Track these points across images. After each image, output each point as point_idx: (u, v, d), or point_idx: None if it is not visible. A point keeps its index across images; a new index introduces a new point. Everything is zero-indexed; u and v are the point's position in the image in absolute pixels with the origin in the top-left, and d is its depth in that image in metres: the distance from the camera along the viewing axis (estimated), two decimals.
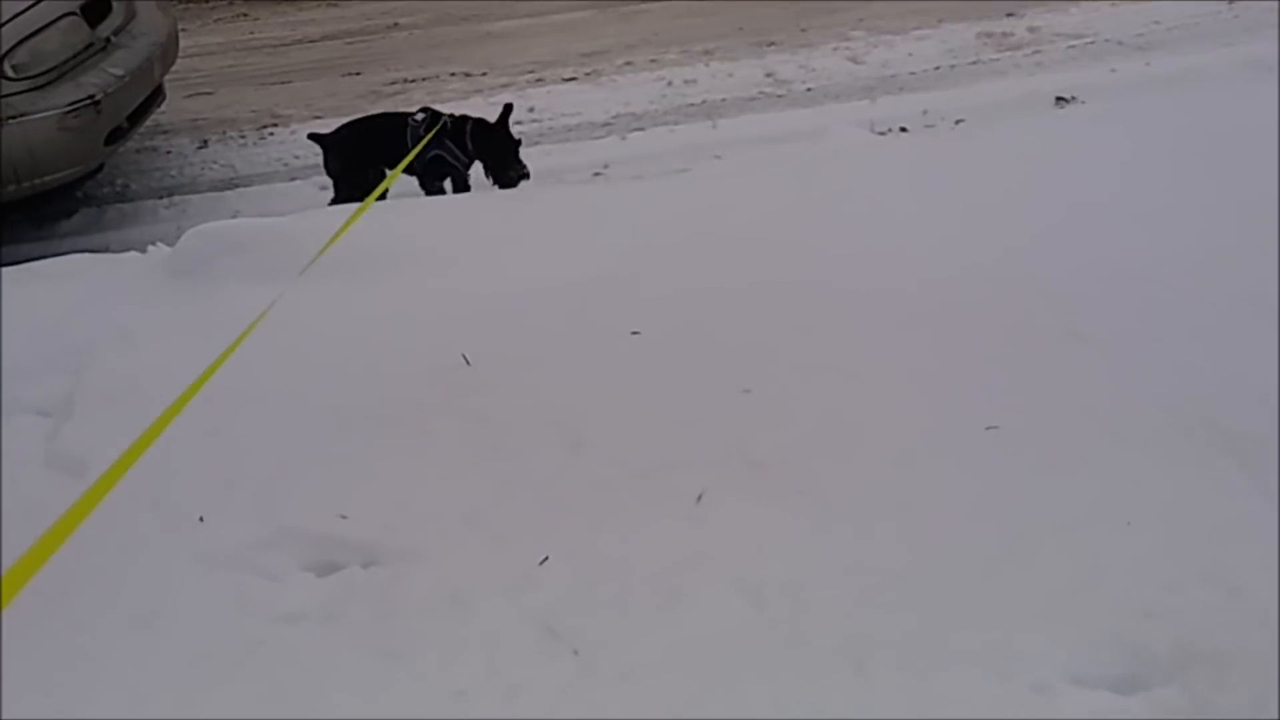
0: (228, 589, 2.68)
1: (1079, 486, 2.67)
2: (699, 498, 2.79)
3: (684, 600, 2.48)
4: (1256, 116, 4.39)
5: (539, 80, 6.68)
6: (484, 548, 2.70)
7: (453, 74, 6.80)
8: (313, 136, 5.04)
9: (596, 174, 5.47)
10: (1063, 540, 2.51)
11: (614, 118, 6.14)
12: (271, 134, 6.15)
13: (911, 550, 2.53)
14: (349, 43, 7.40)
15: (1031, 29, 6.95)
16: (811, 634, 2.33)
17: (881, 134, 5.49)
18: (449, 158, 4.79)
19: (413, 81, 6.72)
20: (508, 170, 4.86)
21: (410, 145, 4.65)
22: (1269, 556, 2.38)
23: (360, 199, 4.22)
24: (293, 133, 6.12)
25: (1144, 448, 2.77)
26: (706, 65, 6.80)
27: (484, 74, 6.79)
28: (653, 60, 6.91)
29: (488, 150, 4.84)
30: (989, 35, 6.87)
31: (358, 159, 4.89)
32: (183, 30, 6.07)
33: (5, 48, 4.56)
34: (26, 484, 3.08)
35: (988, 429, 2.90)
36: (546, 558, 2.65)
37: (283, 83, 6.82)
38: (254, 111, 6.44)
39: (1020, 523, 2.57)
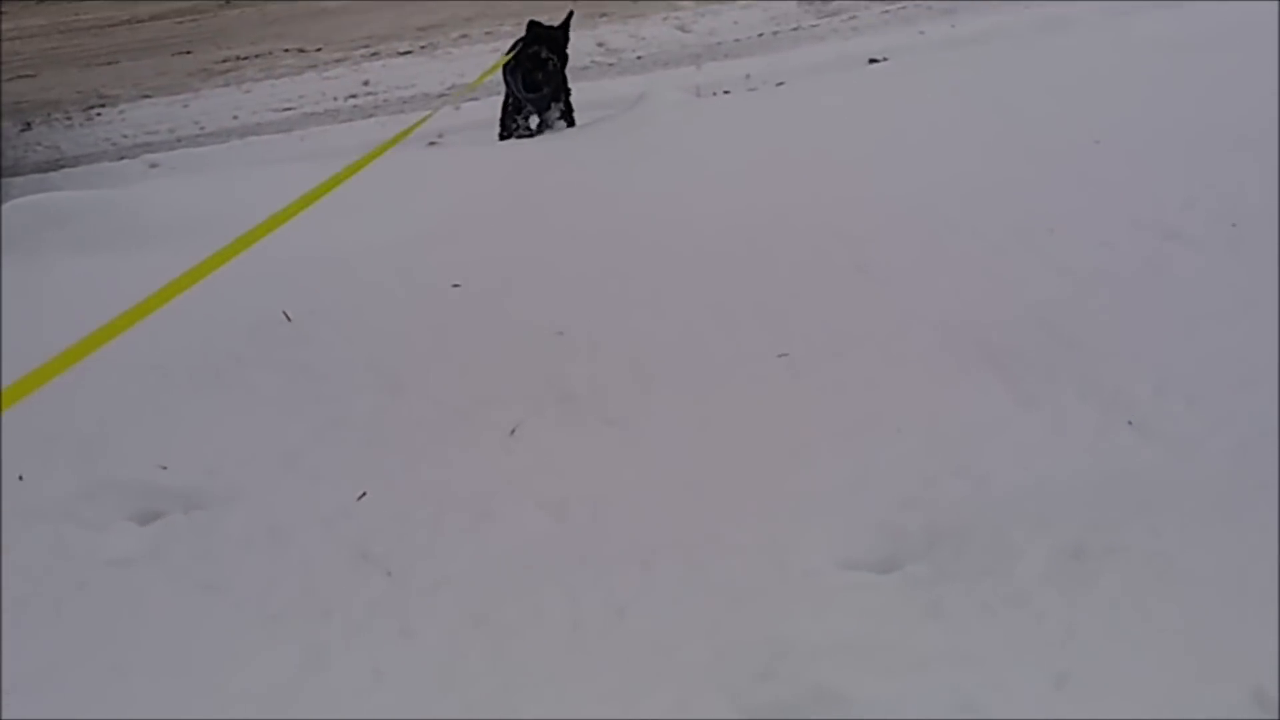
0: (48, 539, 2.73)
1: (855, 402, 2.92)
2: (513, 431, 2.95)
3: (492, 519, 2.64)
4: (1038, 64, 4.75)
5: (374, 54, 6.73)
6: (303, 486, 2.81)
7: (286, 50, 6.80)
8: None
9: (431, 143, 5.56)
10: (837, 447, 2.75)
11: (449, 88, 6.23)
12: (99, 114, 6.09)
13: (702, 462, 2.74)
14: (179, 21, 7.32)
15: None
16: (605, 541, 2.51)
17: (707, 97, 5.70)
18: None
19: (245, 59, 6.70)
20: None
21: None
22: (1015, 449, 2.66)
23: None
24: (121, 112, 6.07)
25: (916, 366, 3.03)
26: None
27: (318, 49, 6.80)
28: (488, 33, 7.02)
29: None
30: (809, 3, 7.16)
31: None
32: (4, 13, 5.95)
33: None
34: None
35: (779, 356, 3.12)
36: (365, 493, 2.77)
37: (110, 63, 6.73)
38: (80, 93, 6.35)
39: (801, 435, 2.81)
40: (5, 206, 4.04)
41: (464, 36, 6.91)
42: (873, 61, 6.05)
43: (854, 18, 6.89)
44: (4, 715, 2.35)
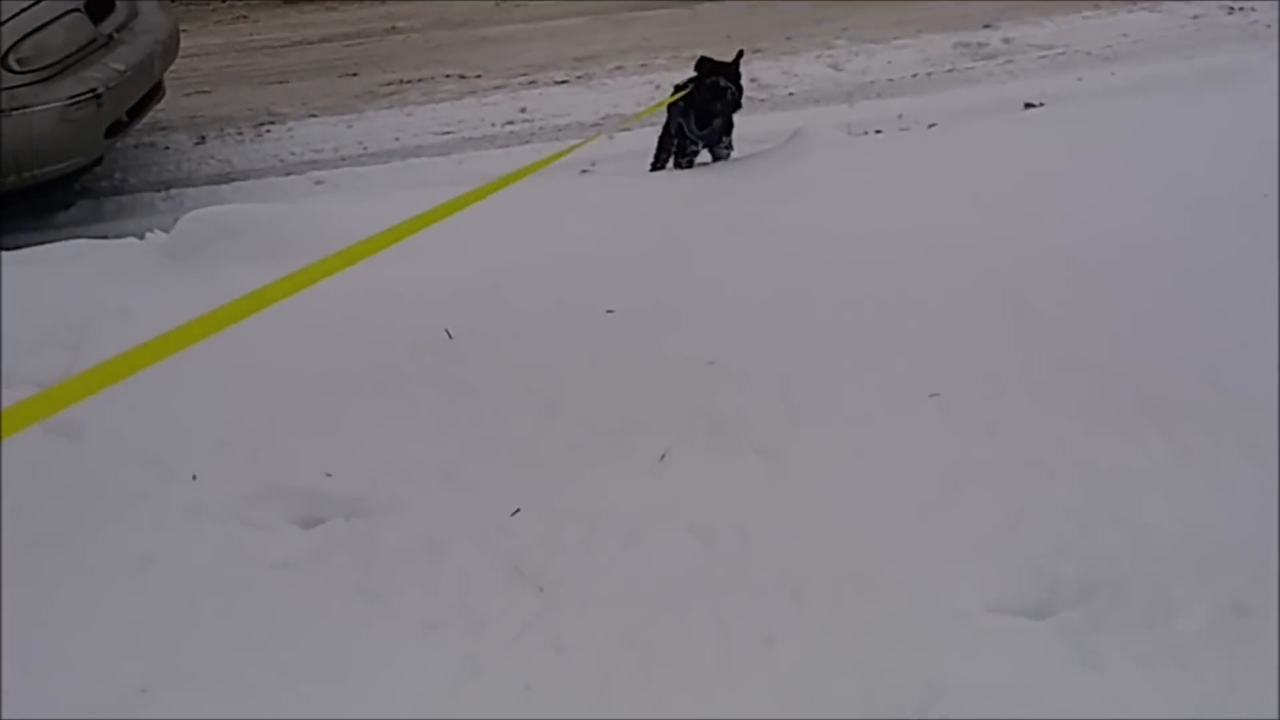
0: (218, 539, 2.86)
1: (1009, 446, 2.88)
2: (662, 456, 2.98)
3: (642, 543, 2.67)
4: (1208, 119, 4.62)
5: (532, 83, 6.90)
6: (460, 500, 2.90)
7: (448, 75, 7.01)
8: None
9: (584, 171, 5.66)
10: (991, 490, 2.71)
11: (603, 118, 6.34)
12: (268, 131, 6.36)
13: (851, 497, 2.73)
14: (347, 45, 7.62)
15: (1006, 40, 7.17)
16: (754, 568, 2.53)
17: (857, 136, 5.70)
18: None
19: (408, 83, 6.93)
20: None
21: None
22: (1172, 501, 2.59)
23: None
24: (289, 130, 6.33)
25: (1071, 412, 2.97)
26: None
27: (478, 76, 7.00)
28: (642, 65, 7.13)
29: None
30: (965, 45, 7.09)
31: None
32: (183, 31, 6.27)
33: (10, 42, 4.73)
34: (25, 449, 3.25)
35: (931, 395, 3.09)
36: (518, 509, 2.84)
37: (280, 82, 7.03)
38: (251, 109, 6.65)
39: (954, 475, 2.78)
40: (183, 218, 4.24)
41: (619, 68, 7.03)
42: (1029, 106, 5.97)
43: (1010, 61, 6.81)
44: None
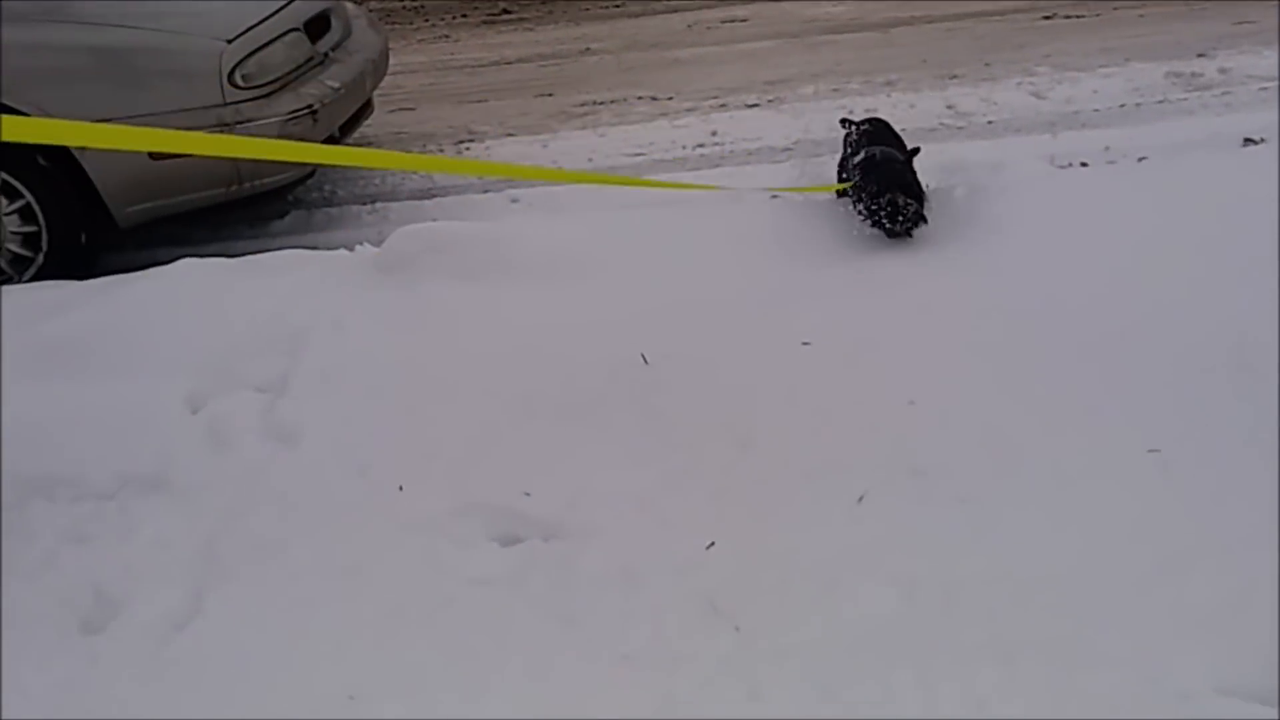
0: (422, 551, 2.94)
1: (1238, 512, 2.71)
2: (860, 498, 2.93)
3: (841, 589, 2.63)
4: None
5: (723, 105, 6.90)
6: (655, 530, 2.90)
7: (640, 97, 7.08)
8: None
9: (774, 196, 5.62)
10: (1218, 560, 2.56)
11: (794, 143, 6.29)
12: (468, 148, 6.54)
13: (1065, 560, 2.62)
14: (542, 65, 7.78)
15: (1222, 70, 6.83)
16: (961, 629, 2.45)
17: (1061, 168, 5.51)
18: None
19: (601, 103, 7.03)
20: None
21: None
22: None
23: None
24: (487, 148, 6.50)
25: None
26: (888, 95, 6.90)
27: (670, 98, 7.05)
28: (835, 89, 7.06)
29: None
30: (1178, 75, 6.78)
31: None
32: (391, 50, 6.51)
33: (236, 60, 4.98)
34: (245, 451, 3.42)
35: (1150, 451, 2.95)
36: (713, 543, 2.83)
37: (479, 101, 7.23)
38: (451, 127, 6.85)
39: (1177, 542, 2.64)
40: (393, 234, 4.39)
41: (811, 92, 6.98)
42: (1248, 141, 5.66)
43: (1227, 93, 6.47)
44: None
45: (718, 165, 6.00)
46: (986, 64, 7.24)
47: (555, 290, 3.88)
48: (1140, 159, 5.58)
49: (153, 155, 4.86)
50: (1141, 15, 7.92)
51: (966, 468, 3.00)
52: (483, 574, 2.87)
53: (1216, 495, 2.77)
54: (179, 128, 4.85)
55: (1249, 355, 3.25)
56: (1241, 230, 3.98)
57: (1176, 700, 2.23)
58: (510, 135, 6.63)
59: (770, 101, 6.91)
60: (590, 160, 6.19)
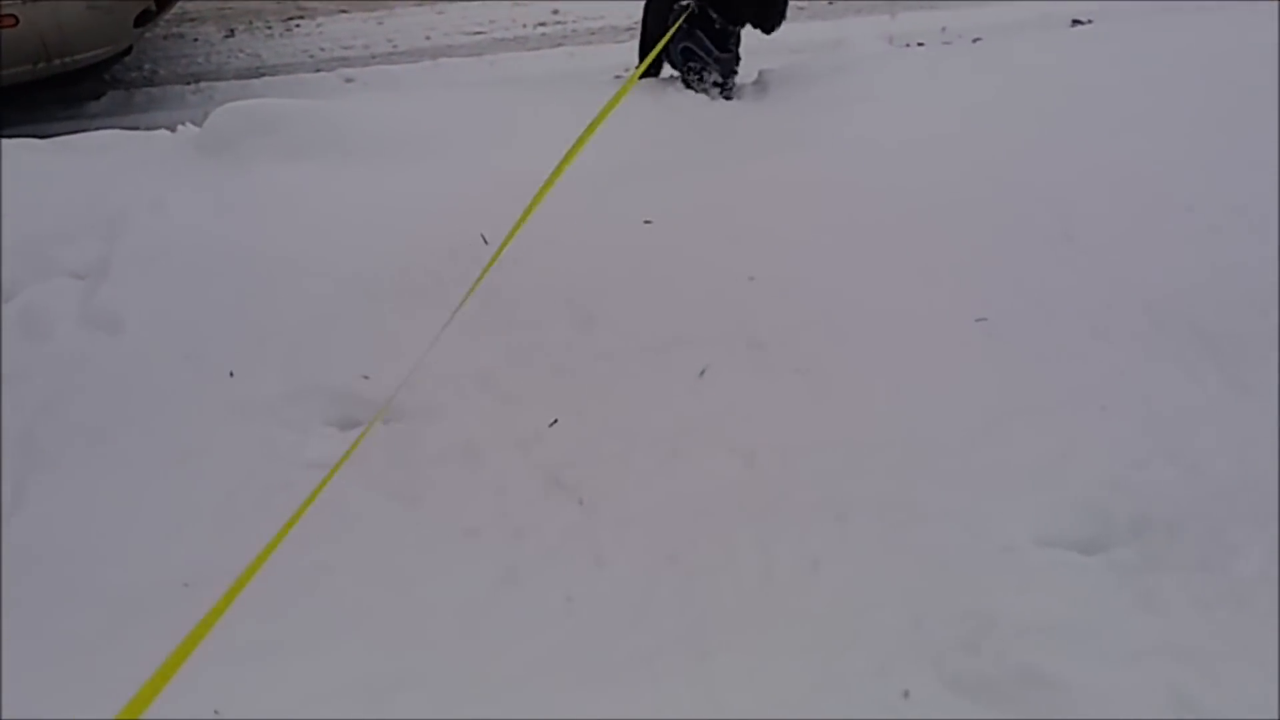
0: (255, 437, 2.86)
1: (1060, 375, 2.83)
2: (701, 372, 2.95)
3: (682, 460, 2.66)
4: (1260, 36, 4.47)
5: None
6: (497, 408, 2.88)
7: None
8: None
9: (617, 77, 5.54)
10: (1040, 421, 2.68)
11: (636, 22, 6.17)
12: (298, 25, 6.23)
13: (896, 421, 2.70)
14: None
15: None
16: (796, 491, 2.51)
17: (900, 48, 5.55)
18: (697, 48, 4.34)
19: None
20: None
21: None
22: (1230, 439, 2.55)
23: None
24: (319, 25, 6.20)
25: (1125, 343, 2.92)
26: None
27: None
28: None
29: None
30: None
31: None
32: None
33: None
34: (65, 340, 3.24)
35: (978, 320, 3.05)
36: (556, 420, 2.82)
37: None
38: (279, 4, 6.50)
39: (1001, 405, 2.75)
40: (215, 111, 4.16)
41: None
42: (1076, 22, 5.79)
43: None
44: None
45: (559, 44, 5.86)
46: None
47: (391, 170, 3.74)
48: (975, 39, 5.66)
49: None
50: None
51: (805, 339, 3.05)
52: (320, 458, 2.79)
53: (1039, 359, 2.88)
54: None
55: (1072, 225, 3.36)
56: (1067, 105, 4.09)
57: (1002, 552, 2.34)
58: (343, 12, 6.33)
59: None
60: (428, 38, 5.98)
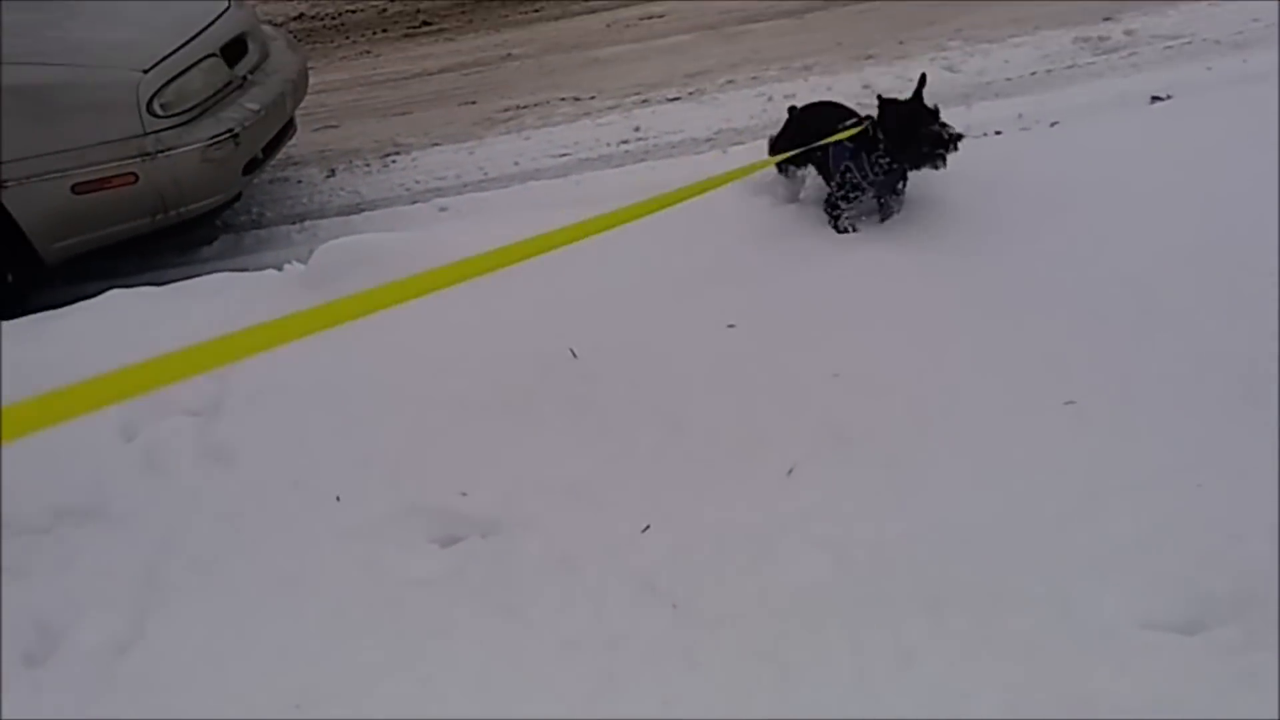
0: (361, 558, 2.97)
1: (1151, 453, 2.81)
2: (790, 471, 2.99)
3: (773, 558, 2.69)
4: None
5: (644, 101, 6.95)
6: (591, 517, 2.95)
7: (563, 99, 7.11)
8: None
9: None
10: (1133, 499, 2.65)
11: (716, 133, 6.36)
12: (394, 161, 6.54)
13: (987, 510, 2.70)
14: (465, 74, 7.78)
15: (1128, 32, 6.97)
16: (888, 584, 2.52)
17: (976, 138, 5.61)
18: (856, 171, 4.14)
19: (525, 108, 7.05)
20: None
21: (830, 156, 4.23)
22: None
23: None
24: (414, 159, 6.50)
25: (1215, 417, 2.89)
26: (806, 80, 6.98)
27: (592, 98, 7.08)
28: (753, 78, 7.12)
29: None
30: (1085, 40, 6.92)
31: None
32: (311, 68, 6.49)
33: (154, 88, 4.96)
34: (181, 475, 3.42)
35: (1066, 404, 3.04)
36: (648, 525, 2.88)
37: (403, 114, 7.23)
38: (377, 141, 6.85)
39: (1092, 485, 2.73)
40: (318, 249, 4.40)
41: (730, 82, 7.04)
42: (1155, 100, 5.80)
43: (1133, 54, 6.62)
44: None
45: (642, 160, 6.04)
46: (900, 42, 7.34)
47: (483, 292, 3.89)
48: (1052, 124, 5.70)
49: (75, 188, 4.84)
50: None
51: (890, 433, 3.08)
52: (424, 575, 2.90)
53: (1128, 438, 2.86)
54: (100, 160, 4.84)
55: (1155, 302, 3.35)
56: (1152, 183, 4.10)
57: (1099, 635, 2.31)
58: (435, 145, 6.64)
59: (691, 94, 6.97)
60: (516, 164, 6.22)
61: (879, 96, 4.18)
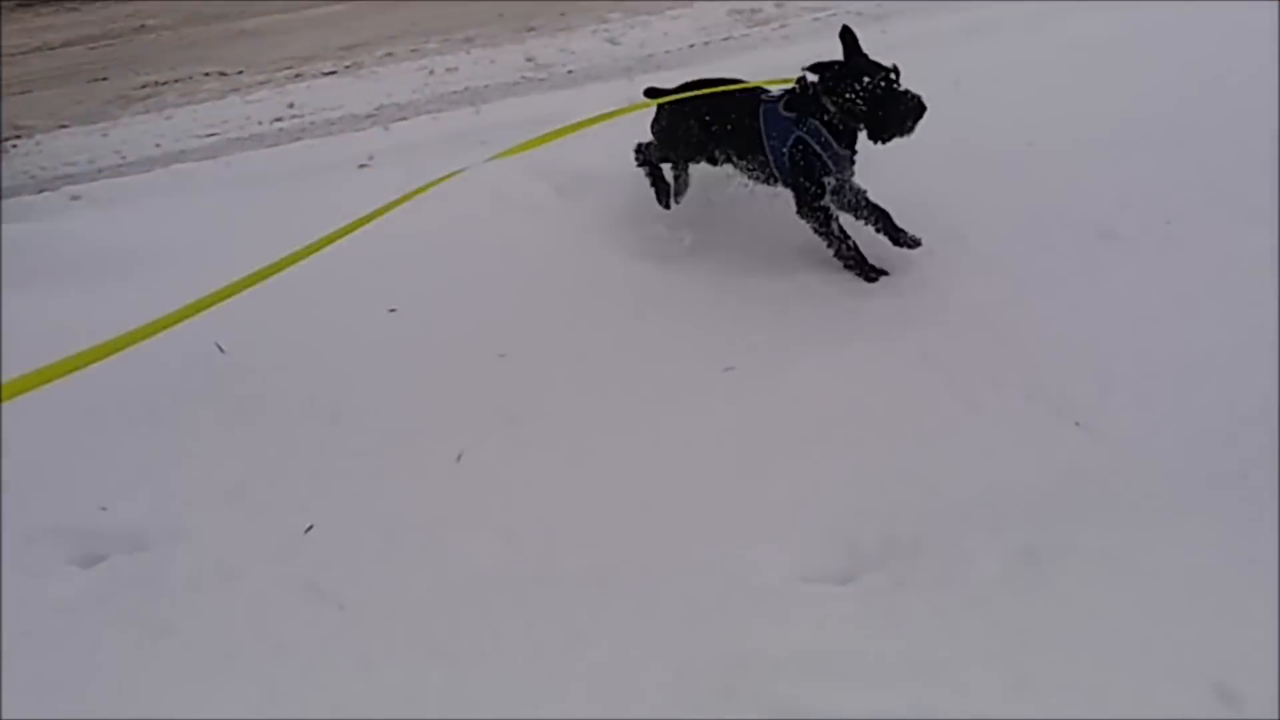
0: None
1: (803, 414, 2.93)
2: (459, 456, 2.92)
3: (444, 546, 2.62)
4: (967, 68, 4.85)
5: (298, 75, 6.61)
6: (249, 522, 2.78)
7: (207, 74, 6.66)
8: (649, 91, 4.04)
9: (362, 165, 5.48)
10: (789, 460, 2.76)
11: (377, 109, 6.15)
12: (14, 146, 5.93)
13: (653, 481, 2.74)
14: (93, 47, 7.14)
15: (778, 4, 7.29)
16: (559, 562, 2.51)
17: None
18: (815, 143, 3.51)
19: (164, 84, 6.55)
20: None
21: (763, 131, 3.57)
22: (965, 454, 2.69)
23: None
24: (37, 144, 5.92)
25: (860, 373, 3.06)
26: (468, 53, 6.86)
27: (240, 73, 6.68)
28: (414, 50, 6.93)
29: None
30: (739, 12, 7.17)
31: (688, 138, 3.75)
32: None
33: None
34: None
35: (725, 370, 3.13)
36: (311, 525, 2.74)
37: (23, 92, 6.55)
38: None
39: (754, 449, 2.81)
40: None
41: (389, 55, 6.82)
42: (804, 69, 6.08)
43: (784, 25, 6.92)
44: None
45: (298, 139, 5.75)
46: (561, 14, 7.36)
47: (114, 289, 3.59)
48: None
49: None
50: None
51: (559, 409, 3.07)
52: (64, 599, 2.64)
53: (785, 401, 2.98)
54: None
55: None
56: None
57: (761, 594, 2.38)
58: (63, 127, 6.07)
59: (348, 68, 6.70)
60: (158, 146, 5.77)
61: (834, 63, 3.59)
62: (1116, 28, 5.04)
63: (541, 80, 6.42)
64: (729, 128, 3.66)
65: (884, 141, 3.50)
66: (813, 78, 3.61)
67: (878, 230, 3.52)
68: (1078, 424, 2.78)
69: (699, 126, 3.74)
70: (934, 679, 2.03)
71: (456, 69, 6.66)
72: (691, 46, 6.77)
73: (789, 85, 3.70)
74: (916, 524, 2.50)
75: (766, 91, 3.74)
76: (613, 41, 6.94)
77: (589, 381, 3.17)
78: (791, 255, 3.59)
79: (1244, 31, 4.58)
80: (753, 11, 7.24)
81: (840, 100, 3.50)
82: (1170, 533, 2.32)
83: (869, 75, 3.49)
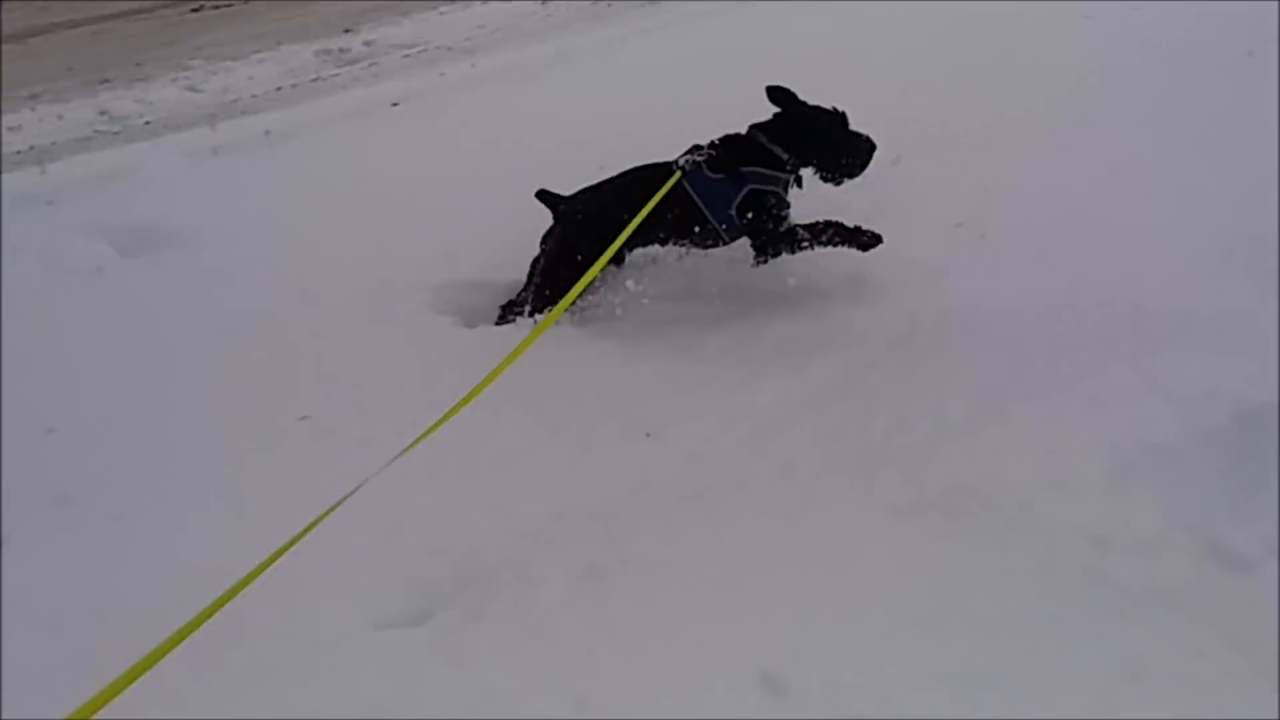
0: None
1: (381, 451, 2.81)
2: None
3: None
4: (544, 96, 4.98)
5: None
6: None
7: None
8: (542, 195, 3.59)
9: None
10: (364, 506, 2.62)
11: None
12: None
13: (223, 542, 2.50)
14: None
15: (367, 43, 7.22)
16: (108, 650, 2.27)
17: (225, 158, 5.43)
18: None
19: None
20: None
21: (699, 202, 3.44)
22: (541, 477, 2.68)
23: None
24: None
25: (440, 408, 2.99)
26: (33, 109, 6.35)
27: None
28: None
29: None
30: (327, 52, 7.05)
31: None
32: None
33: None
34: None
35: (301, 419, 2.99)
36: None
37: None
38: None
39: (329, 494, 2.67)
40: None
41: None
42: (395, 105, 6.02)
43: (374, 64, 6.85)
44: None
45: None
46: (138, 64, 6.95)
47: None
48: (266, 132, 5.62)
49: None
50: None
51: (118, 482, 2.82)
52: None
53: (362, 443, 2.84)
54: None
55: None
56: (383, 189, 4.25)
57: (334, 645, 2.25)
58: None
59: None
60: None
61: (783, 101, 3.50)
62: (676, 50, 5.36)
63: (116, 133, 6.04)
64: (655, 215, 3.33)
65: (838, 183, 3.57)
66: (756, 132, 3.54)
67: (837, 244, 3.49)
68: (648, 435, 2.84)
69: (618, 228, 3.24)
70: (497, 714, 1.98)
71: (19, 128, 6.14)
72: (279, 90, 6.61)
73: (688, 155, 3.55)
74: (489, 553, 2.45)
75: (671, 163, 3.55)
76: (194, 89, 6.65)
77: (143, 446, 2.95)
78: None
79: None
80: (341, 51, 7.16)
81: (797, 148, 3.49)
82: (718, 535, 2.41)
83: (826, 121, 3.51)
